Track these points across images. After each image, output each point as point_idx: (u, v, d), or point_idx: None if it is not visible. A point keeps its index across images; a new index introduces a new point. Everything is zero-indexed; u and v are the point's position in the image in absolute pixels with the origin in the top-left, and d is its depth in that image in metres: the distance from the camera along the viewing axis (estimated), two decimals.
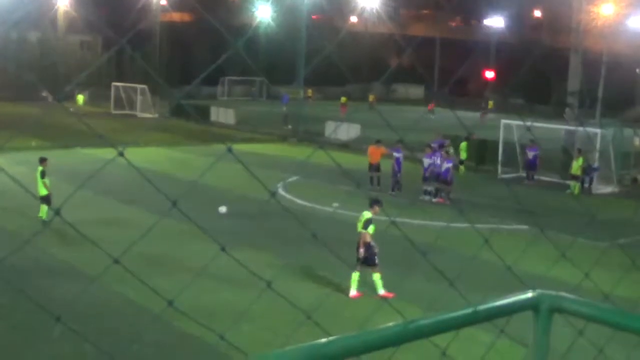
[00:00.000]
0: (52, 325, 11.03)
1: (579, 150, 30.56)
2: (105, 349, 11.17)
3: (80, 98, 58.91)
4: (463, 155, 33.36)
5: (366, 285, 15.16)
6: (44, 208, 20.12)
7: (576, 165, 29.35)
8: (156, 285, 12.11)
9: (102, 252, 2.12)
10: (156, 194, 2.34)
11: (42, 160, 20.46)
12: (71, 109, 51.86)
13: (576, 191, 28.84)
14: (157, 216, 18.60)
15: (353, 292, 14.95)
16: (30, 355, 11.55)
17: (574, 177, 29.38)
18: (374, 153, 28.13)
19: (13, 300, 13.84)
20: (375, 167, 28.03)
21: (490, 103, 70.89)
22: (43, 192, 19.85)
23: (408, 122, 50.17)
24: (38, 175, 20.09)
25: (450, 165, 26.26)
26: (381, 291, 14.87)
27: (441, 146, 28.41)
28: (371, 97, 70.08)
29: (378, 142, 28.24)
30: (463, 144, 33.35)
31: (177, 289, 13.69)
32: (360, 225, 15.06)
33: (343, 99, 65.20)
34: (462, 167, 32.56)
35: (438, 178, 26.32)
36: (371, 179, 27.84)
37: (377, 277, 14.90)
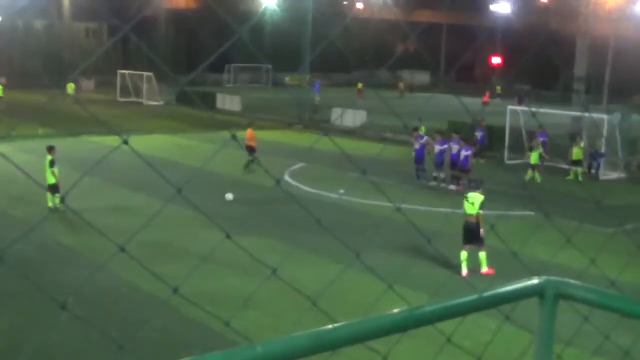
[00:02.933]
0: (60, 312, 11.09)
1: (579, 136, 30.39)
2: (112, 335, 11.23)
3: (70, 86, 58.61)
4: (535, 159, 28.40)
5: (367, 270, 15.16)
6: (51, 197, 20.17)
7: (578, 152, 28.96)
8: (163, 272, 12.13)
9: (113, 241, 2.13)
10: (163, 182, 2.35)
11: (51, 149, 20.45)
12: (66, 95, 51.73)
13: (580, 178, 28.40)
14: (165, 203, 18.65)
15: (465, 271, 15.55)
16: (38, 341, 11.62)
17: (576, 163, 28.93)
18: (251, 135, 28.07)
19: (21, 286, 13.92)
20: (253, 150, 27.57)
21: (499, 88, 70.60)
22: (51, 180, 19.89)
23: (415, 109, 50.08)
24: (47, 164, 20.11)
25: (469, 153, 26.01)
26: (485, 269, 15.56)
27: (466, 139, 28.04)
28: (401, 86, 70.38)
29: (251, 124, 28.29)
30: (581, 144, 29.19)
31: (183, 275, 13.75)
32: (474, 208, 15.57)
33: (359, 85, 66.85)
34: (537, 174, 27.87)
35: (455, 166, 26.13)
36: (250, 162, 27.44)
37: (484, 255, 15.54)
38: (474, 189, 16.15)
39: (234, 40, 2.31)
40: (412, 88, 73.60)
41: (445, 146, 26.43)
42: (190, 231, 17.98)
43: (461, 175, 25.93)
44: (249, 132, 28.21)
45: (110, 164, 24.26)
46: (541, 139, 31.36)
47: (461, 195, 24.39)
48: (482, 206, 15.57)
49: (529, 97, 61.86)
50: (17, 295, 13.48)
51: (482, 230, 15.49)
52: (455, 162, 26.05)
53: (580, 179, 28.36)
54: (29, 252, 15.72)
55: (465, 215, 15.76)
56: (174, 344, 11.60)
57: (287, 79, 77.92)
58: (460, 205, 16.86)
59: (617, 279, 3.37)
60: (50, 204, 20.39)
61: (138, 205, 21.03)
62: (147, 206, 20.65)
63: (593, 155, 29.92)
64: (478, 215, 15.53)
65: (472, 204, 15.62)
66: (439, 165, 26.48)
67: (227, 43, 2.35)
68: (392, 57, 73.31)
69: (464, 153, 25.87)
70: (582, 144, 29.08)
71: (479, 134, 32.36)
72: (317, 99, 50.82)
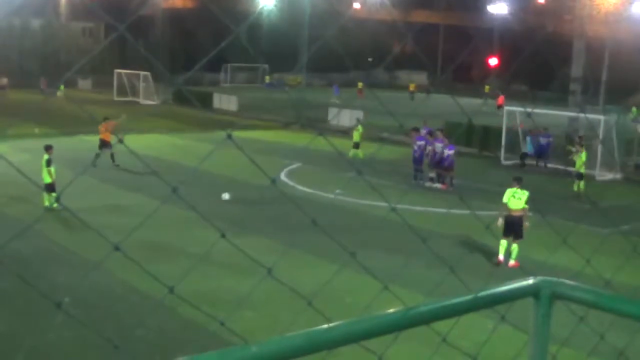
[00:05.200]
0: (56, 312, 11.07)
1: (580, 145, 29.15)
2: (108, 335, 11.21)
3: (60, 87, 58.17)
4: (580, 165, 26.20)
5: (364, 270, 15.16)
6: (47, 196, 20.11)
7: (580, 162, 26.28)
8: (159, 272, 12.11)
9: (108, 240, 2.13)
10: (160, 181, 2.35)
11: (48, 148, 20.39)
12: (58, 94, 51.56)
13: (581, 187, 26.11)
14: (160, 203, 18.62)
15: (501, 257, 16.63)
16: (33, 341, 11.60)
17: (580, 175, 26.04)
18: (105, 129, 27.49)
19: (16, 286, 13.89)
20: (106, 144, 27.26)
21: (487, 88, 70.68)
22: (47, 179, 19.84)
23: (411, 109, 50.10)
24: (43, 163, 20.06)
25: (452, 152, 26.16)
26: (512, 261, 16.43)
27: (430, 134, 27.68)
28: (412, 86, 70.36)
29: (106, 118, 27.87)
30: (584, 154, 26.37)
31: (180, 275, 13.72)
32: (521, 203, 16.46)
33: (360, 84, 68.29)
34: (581, 183, 25.93)
35: (438, 164, 26.26)
36: (97, 156, 26.88)
37: (516, 248, 16.42)
38: (516, 184, 16.78)
39: (229, 40, 2.30)
40: (428, 90, 72.54)
41: (431, 146, 26.61)
42: (187, 231, 17.96)
43: (444, 173, 26.09)
44: (104, 126, 27.68)
45: (107, 163, 24.33)
46: (545, 140, 31.18)
47: (447, 194, 24.49)
48: (528, 201, 16.50)
49: (524, 97, 61.92)
50: (12, 295, 13.46)
51: (526, 224, 16.43)
52: (438, 161, 26.20)
53: (582, 187, 26.18)
54: (25, 252, 15.69)
55: (509, 209, 16.49)
56: (170, 344, 11.60)
57: (267, 78, 78.45)
58: (454, 205, 16.94)
59: (612, 279, 3.37)
60: (47, 203, 20.34)
61: (134, 205, 20.99)
62: (143, 205, 20.61)
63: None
64: (524, 209, 16.45)
65: (520, 199, 16.45)
66: (433, 164, 26.63)
67: (224, 43, 2.35)
68: (389, 57, 73.41)
69: (446, 152, 26.04)
70: (584, 156, 26.41)
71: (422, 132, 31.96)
72: (336, 101, 50.72)
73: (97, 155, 26.82)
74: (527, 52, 41.03)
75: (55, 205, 19.85)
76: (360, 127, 32.10)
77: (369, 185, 19.96)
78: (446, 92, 67.16)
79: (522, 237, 16.45)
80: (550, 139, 31.55)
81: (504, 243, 16.60)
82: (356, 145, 31.39)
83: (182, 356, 1.73)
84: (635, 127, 36.42)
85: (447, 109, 37.94)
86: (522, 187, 16.73)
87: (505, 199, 16.64)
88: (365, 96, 62.95)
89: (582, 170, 26.01)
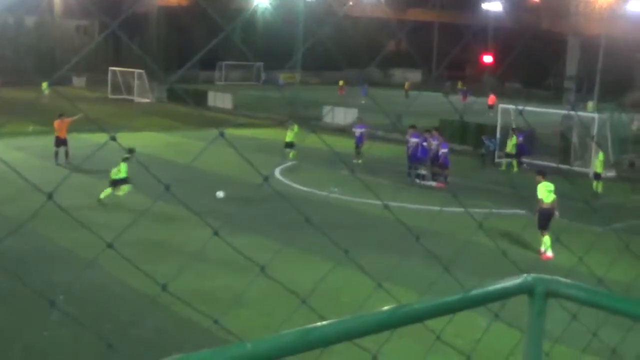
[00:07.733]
0: (51, 310, 11.06)
1: (598, 144, 28.33)
2: (104, 334, 11.21)
3: (44, 85, 57.79)
4: (511, 149, 30.71)
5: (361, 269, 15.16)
6: (125, 188, 20.99)
7: (599, 162, 26.13)
8: (156, 271, 12.09)
9: (101, 238, 2.13)
10: (156, 180, 2.35)
11: (131, 151, 20.91)
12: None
13: (599, 189, 25.69)
14: (158, 201, 18.60)
15: (549, 253, 16.73)
16: (29, 339, 11.58)
17: (596, 176, 26.14)
18: (60, 126, 27.57)
19: (12, 284, 13.87)
20: (62, 141, 27.44)
21: (460, 83, 70.77)
22: (123, 174, 20.85)
23: (405, 107, 50.13)
24: (123, 162, 20.82)
25: (445, 150, 26.19)
26: (549, 252, 16.71)
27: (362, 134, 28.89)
28: (406, 85, 70.37)
29: (61, 115, 27.73)
30: (514, 139, 30.59)
31: (176, 273, 13.71)
32: (552, 196, 16.89)
33: (340, 82, 67.97)
34: (513, 162, 30.58)
35: (433, 162, 26.31)
36: (56, 153, 27.27)
37: (549, 239, 16.94)
38: (542, 178, 17.27)
39: (220, 38, 2.30)
40: (447, 92, 71.41)
41: (425, 143, 26.69)
42: (183, 229, 17.94)
43: (439, 171, 26.13)
44: (57, 123, 27.68)
45: (103, 162, 24.29)
46: (520, 138, 30.69)
47: (441, 192, 24.51)
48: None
49: (468, 92, 62.39)
50: (8, 292, 13.43)
51: (556, 214, 17.01)
52: (433, 159, 26.25)
53: (600, 190, 25.75)
54: (21, 250, 15.65)
55: (543, 202, 16.87)
56: (166, 343, 11.59)
57: (263, 76, 78.96)
58: (448, 203, 17.00)
59: (605, 277, 3.39)
60: (121, 193, 21.07)
61: (130, 203, 20.96)
62: (139, 203, 20.58)
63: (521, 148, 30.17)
64: (554, 201, 16.90)
65: (550, 191, 16.86)
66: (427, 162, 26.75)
67: (215, 41, 2.34)
68: (382, 55, 73.39)
69: (441, 150, 26.11)
70: (602, 156, 26.40)
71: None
72: (363, 101, 50.67)
73: (56, 154, 27.03)
74: (518, 49, 41.09)
75: (122, 193, 20.96)
76: (295, 127, 31.01)
77: (362, 183, 20.04)
78: (439, 90, 67.27)
79: (550, 227, 16.83)
80: (521, 139, 30.82)
81: (548, 239, 16.94)
82: (289, 145, 30.54)
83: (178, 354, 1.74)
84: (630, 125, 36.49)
85: (441, 107, 37.91)
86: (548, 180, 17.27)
87: (540, 195, 16.92)
88: (346, 93, 63.20)
89: (600, 170, 25.98)
